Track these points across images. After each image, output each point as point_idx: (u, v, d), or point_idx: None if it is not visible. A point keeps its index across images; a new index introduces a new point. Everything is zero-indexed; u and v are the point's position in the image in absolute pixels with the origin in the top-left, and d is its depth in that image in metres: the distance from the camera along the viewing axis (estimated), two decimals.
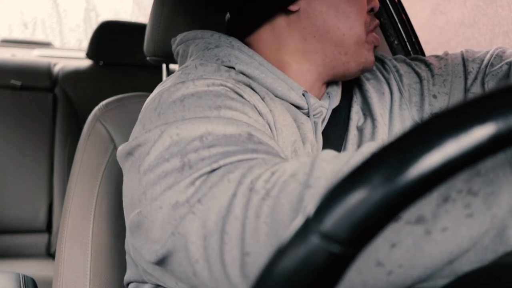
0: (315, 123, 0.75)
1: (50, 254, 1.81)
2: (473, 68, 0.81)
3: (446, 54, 0.86)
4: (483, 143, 0.24)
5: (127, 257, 0.74)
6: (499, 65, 0.78)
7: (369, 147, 0.45)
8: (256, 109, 0.67)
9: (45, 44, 2.63)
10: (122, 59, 1.97)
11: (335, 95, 0.80)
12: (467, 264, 0.38)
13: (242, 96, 0.66)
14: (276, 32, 0.75)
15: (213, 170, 0.54)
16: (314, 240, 0.25)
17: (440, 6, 1.99)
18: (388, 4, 1.26)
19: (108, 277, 0.86)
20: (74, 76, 1.95)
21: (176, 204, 0.54)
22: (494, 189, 0.36)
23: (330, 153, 0.48)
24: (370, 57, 0.76)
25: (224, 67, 0.73)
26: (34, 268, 1.62)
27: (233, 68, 0.73)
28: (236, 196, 0.49)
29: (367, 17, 0.76)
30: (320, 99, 0.78)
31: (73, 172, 0.89)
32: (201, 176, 0.54)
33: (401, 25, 1.27)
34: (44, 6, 3.75)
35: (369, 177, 0.24)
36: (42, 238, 1.81)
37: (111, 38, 1.96)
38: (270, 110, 0.69)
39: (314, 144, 0.73)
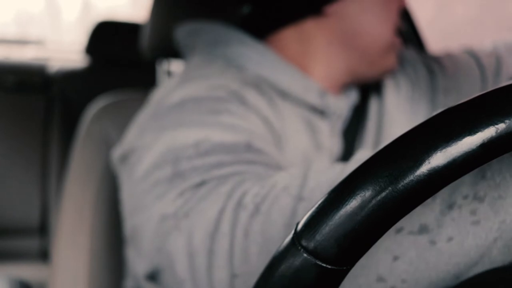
0: (334, 126, 0.69)
1: (46, 257, 1.79)
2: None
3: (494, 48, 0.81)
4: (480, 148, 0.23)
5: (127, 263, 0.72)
6: None
7: (364, 155, 0.43)
8: (261, 114, 0.62)
9: (40, 43, 2.62)
10: (119, 58, 1.96)
11: (354, 92, 0.75)
12: None
13: (246, 100, 0.62)
14: (302, 34, 0.69)
15: (204, 182, 0.51)
16: (302, 257, 0.24)
17: (445, 5, 1.99)
18: None
19: (106, 281, 0.84)
20: (70, 75, 1.94)
21: (163, 217, 0.51)
22: (501, 192, 0.34)
23: (323, 163, 0.46)
24: (393, 63, 0.71)
25: (231, 66, 0.68)
26: (29, 272, 1.62)
27: (242, 67, 0.68)
28: (225, 211, 0.47)
29: (398, 20, 0.70)
30: (338, 98, 0.73)
31: (69, 172, 0.88)
32: (191, 187, 0.51)
33: (405, 22, 1.25)
34: (39, 3, 3.73)
35: (355, 192, 0.23)
36: (38, 241, 1.80)
37: (108, 37, 1.95)
38: (279, 115, 0.65)
39: (332, 149, 0.68)
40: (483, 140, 0.23)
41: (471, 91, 0.77)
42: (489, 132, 0.23)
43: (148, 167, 0.56)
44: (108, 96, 0.93)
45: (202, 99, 0.60)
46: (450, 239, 0.35)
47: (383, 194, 0.22)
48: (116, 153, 0.66)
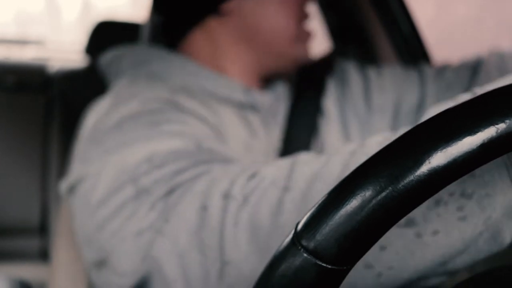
0: (266, 117, 0.72)
1: (46, 257, 1.79)
2: None
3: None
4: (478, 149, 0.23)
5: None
6: None
7: (349, 148, 0.44)
8: (198, 115, 0.63)
9: (40, 43, 2.61)
10: None
11: (280, 84, 0.77)
12: (461, 264, 0.38)
13: (180, 105, 0.63)
14: (209, 34, 0.72)
15: (172, 189, 0.51)
16: (302, 257, 0.24)
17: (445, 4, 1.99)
18: (391, 1, 1.24)
19: None
20: (70, 75, 1.94)
21: (139, 232, 0.52)
22: (488, 190, 0.35)
23: (308, 155, 0.47)
24: (304, 53, 0.73)
25: (157, 80, 0.69)
26: (29, 272, 1.61)
27: (167, 79, 0.70)
28: (207, 209, 0.48)
29: (302, 11, 0.72)
30: (265, 91, 0.75)
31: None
32: (159, 198, 0.51)
33: (405, 22, 1.25)
34: (39, 3, 3.72)
35: (355, 192, 0.23)
36: (38, 241, 1.80)
37: (108, 37, 1.94)
38: (214, 112, 0.66)
39: (266, 139, 0.70)
40: (483, 140, 0.23)
41: (410, 88, 0.78)
42: (489, 132, 0.23)
43: (104, 194, 0.55)
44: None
45: (139, 115, 0.60)
46: (435, 232, 0.36)
47: (383, 194, 0.23)
48: (63, 186, 0.65)
